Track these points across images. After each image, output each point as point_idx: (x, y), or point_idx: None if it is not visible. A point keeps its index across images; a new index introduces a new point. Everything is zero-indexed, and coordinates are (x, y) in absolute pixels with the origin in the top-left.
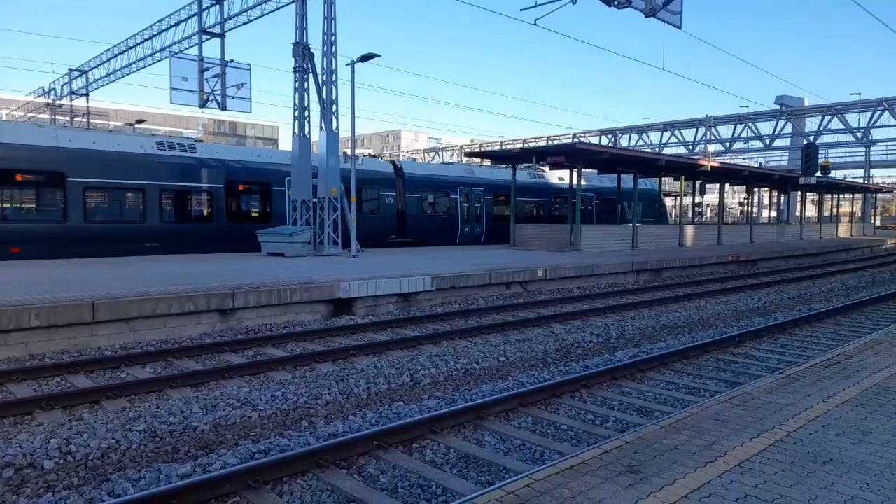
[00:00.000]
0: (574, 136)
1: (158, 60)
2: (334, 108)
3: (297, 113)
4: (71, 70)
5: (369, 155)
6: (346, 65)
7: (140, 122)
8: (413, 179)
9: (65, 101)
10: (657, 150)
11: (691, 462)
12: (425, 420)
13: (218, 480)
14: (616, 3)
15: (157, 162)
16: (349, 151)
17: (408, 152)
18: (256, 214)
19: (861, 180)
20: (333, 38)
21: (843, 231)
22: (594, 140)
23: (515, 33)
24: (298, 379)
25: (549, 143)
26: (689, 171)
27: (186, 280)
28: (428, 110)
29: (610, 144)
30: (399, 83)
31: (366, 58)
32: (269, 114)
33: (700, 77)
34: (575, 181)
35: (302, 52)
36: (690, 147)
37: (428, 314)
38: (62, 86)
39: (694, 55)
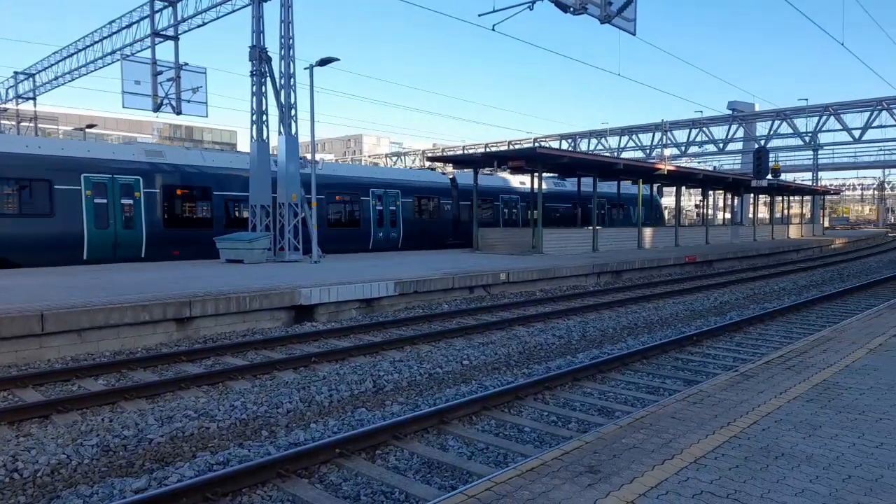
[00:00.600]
0: (535, 140)
1: (109, 63)
2: (293, 112)
3: (254, 117)
4: (16, 73)
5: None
6: (305, 69)
7: (91, 126)
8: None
9: (10, 105)
10: (616, 154)
11: (649, 460)
12: (388, 426)
13: (174, 494)
14: (572, 9)
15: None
16: (309, 156)
17: (369, 157)
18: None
19: (810, 183)
20: (291, 41)
21: (794, 232)
22: (554, 144)
23: (476, 39)
24: (258, 388)
25: (511, 147)
26: (646, 174)
27: (144, 288)
28: (390, 115)
29: (570, 149)
30: (361, 88)
31: (325, 62)
32: (226, 118)
33: (656, 83)
34: (536, 185)
35: (259, 55)
36: (648, 151)
37: (391, 319)
38: (7, 89)
39: (650, 62)
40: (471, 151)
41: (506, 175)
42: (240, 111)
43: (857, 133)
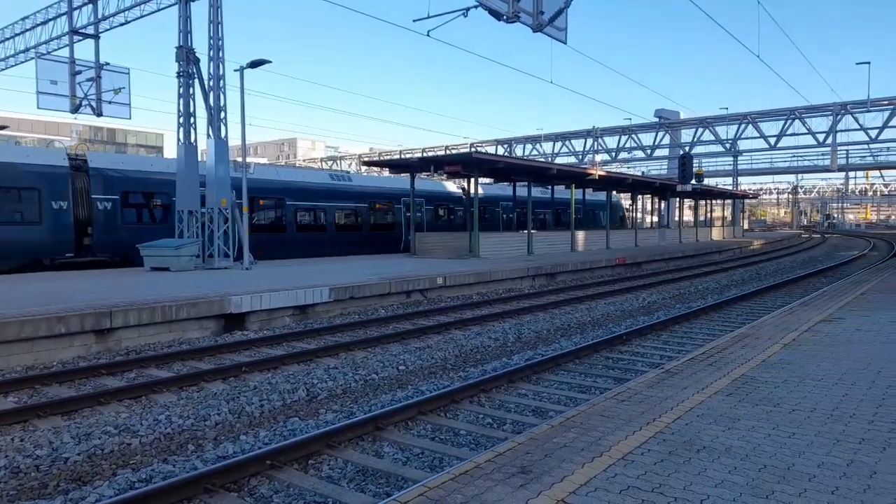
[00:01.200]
0: (472, 145)
1: (23, 62)
2: (222, 115)
3: (181, 120)
4: None
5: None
6: (235, 70)
7: (2, 128)
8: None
9: None
10: (550, 159)
11: (579, 458)
12: (321, 435)
13: None
14: (505, 17)
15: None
16: (240, 160)
17: (304, 161)
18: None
19: (730, 187)
20: (220, 42)
21: (717, 234)
22: (490, 149)
23: (415, 44)
24: (185, 400)
25: (448, 152)
26: (578, 179)
27: (62, 299)
28: (326, 118)
29: (506, 154)
30: (295, 91)
31: (256, 64)
32: (152, 120)
33: (587, 91)
34: (473, 190)
35: (186, 56)
36: (580, 157)
37: (326, 326)
38: None
39: (581, 70)
40: (407, 156)
41: (443, 179)
42: (167, 113)
43: (772, 140)
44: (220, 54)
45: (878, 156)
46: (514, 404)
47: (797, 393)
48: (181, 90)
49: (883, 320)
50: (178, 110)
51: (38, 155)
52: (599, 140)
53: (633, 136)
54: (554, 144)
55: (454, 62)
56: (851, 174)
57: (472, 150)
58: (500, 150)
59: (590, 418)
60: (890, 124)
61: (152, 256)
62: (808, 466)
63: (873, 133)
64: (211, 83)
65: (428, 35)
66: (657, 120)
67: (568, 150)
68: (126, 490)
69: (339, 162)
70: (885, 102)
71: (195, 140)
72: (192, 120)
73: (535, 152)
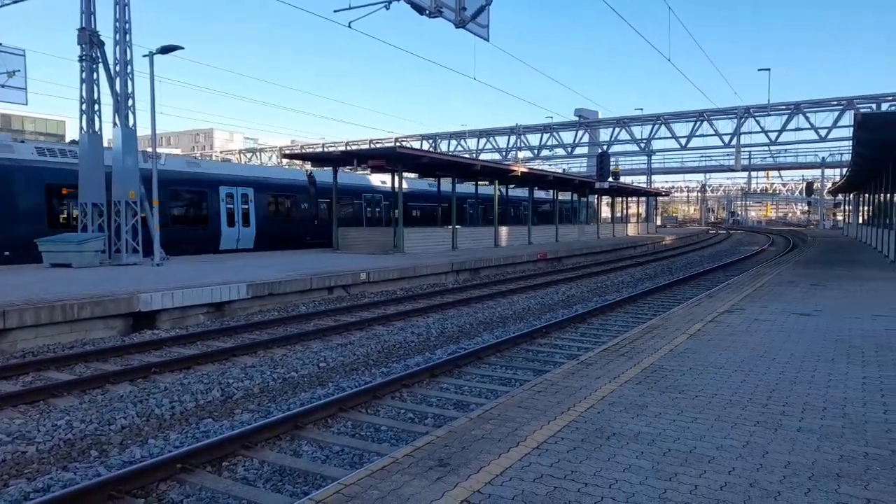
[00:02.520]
0: (396, 140)
1: None
2: (130, 102)
3: (84, 107)
4: None
5: None
6: (144, 56)
7: None
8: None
9: None
10: (474, 155)
11: (496, 449)
12: (236, 436)
13: None
14: (427, 12)
15: None
16: (150, 150)
17: (221, 152)
18: None
19: (644, 185)
20: (128, 25)
21: (632, 230)
22: (415, 144)
23: (337, 37)
24: (88, 404)
25: (372, 146)
26: (501, 175)
27: None
28: (245, 109)
29: (431, 149)
30: (212, 80)
31: (167, 49)
32: (53, 106)
33: (510, 89)
34: (397, 184)
35: (89, 38)
36: (504, 153)
37: (243, 324)
38: None
39: (505, 68)
40: (330, 149)
41: (367, 173)
42: (69, 99)
43: (683, 141)
44: (128, 38)
45: (777, 157)
46: (436, 398)
47: (700, 380)
48: (84, 75)
49: (778, 310)
50: (81, 97)
51: None
52: (522, 137)
53: (554, 134)
54: (478, 140)
55: (379, 56)
56: (754, 174)
57: (397, 144)
58: (426, 145)
59: (507, 410)
60: (788, 127)
61: (52, 252)
62: (708, 449)
63: (773, 135)
64: (117, 68)
65: (349, 26)
66: (577, 119)
67: (492, 146)
68: (20, 501)
69: (258, 154)
70: (784, 107)
71: (100, 129)
72: (96, 107)
73: (459, 148)
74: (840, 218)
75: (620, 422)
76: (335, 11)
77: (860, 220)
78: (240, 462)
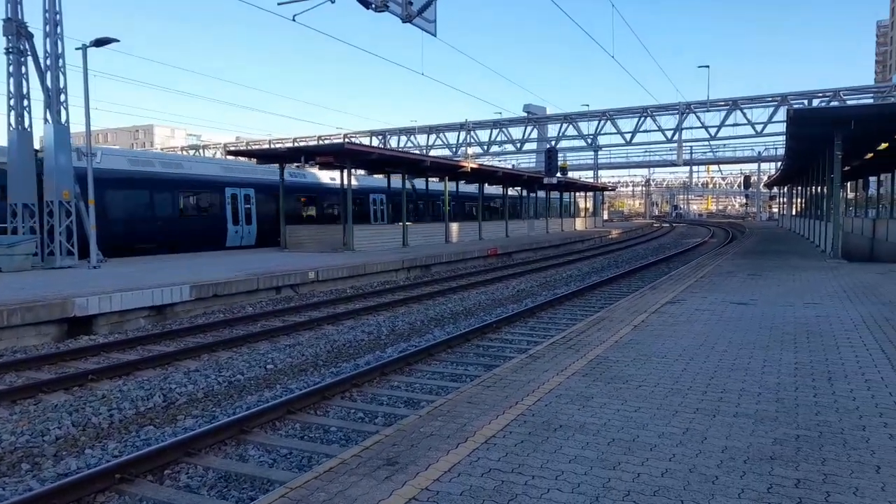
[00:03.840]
0: (345, 136)
1: None
2: (62, 97)
3: (12, 102)
4: None
5: None
6: (77, 49)
7: None
8: None
9: None
10: (424, 151)
11: (445, 446)
12: (179, 443)
13: None
14: (374, 6)
15: None
16: (84, 146)
17: (162, 149)
18: None
19: (592, 180)
20: (58, 17)
21: (580, 225)
22: (365, 140)
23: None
24: (18, 415)
25: (320, 142)
26: (451, 171)
27: None
28: (187, 105)
29: (380, 145)
30: (152, 75)
31: (101, 42)
32: None
33: (459, 84)
34: (345, 181)
35: (16, 30)
36: (454, 150)
37: (186, 327)
38: None
39: (453, 64)
40: (277, 145)
41: (315, 170)
42: None
43: (628, 136)
44: (59, 30)
45: (717, 151)
46: (387, 397)
47: (643, 370)
48: (10, 69)
49: (717, 300)
50: (9, 91)
51: None
52: (472, 133)
53: (503, 129)
54: (428, 136)
55: (326, 52)
56: (695, 168)
57: (346, 140)
58: (375, 142)
59: (456, 406)
60: (726, 123)
61: None
62: (650, 437)
63: (713, 131)
64: (48, 62)
65: (294, 20)
66: (526, 115)
67: (442, 142)
68: None
69: (202, 151)
70: (722, 103)
71: (30, 125)
72: (25, 102)
73: (409, 144)
74: (776, 210)
75: (567, 413)
76: (279, 4)
77: (794, 212)
78: (183, 470)
